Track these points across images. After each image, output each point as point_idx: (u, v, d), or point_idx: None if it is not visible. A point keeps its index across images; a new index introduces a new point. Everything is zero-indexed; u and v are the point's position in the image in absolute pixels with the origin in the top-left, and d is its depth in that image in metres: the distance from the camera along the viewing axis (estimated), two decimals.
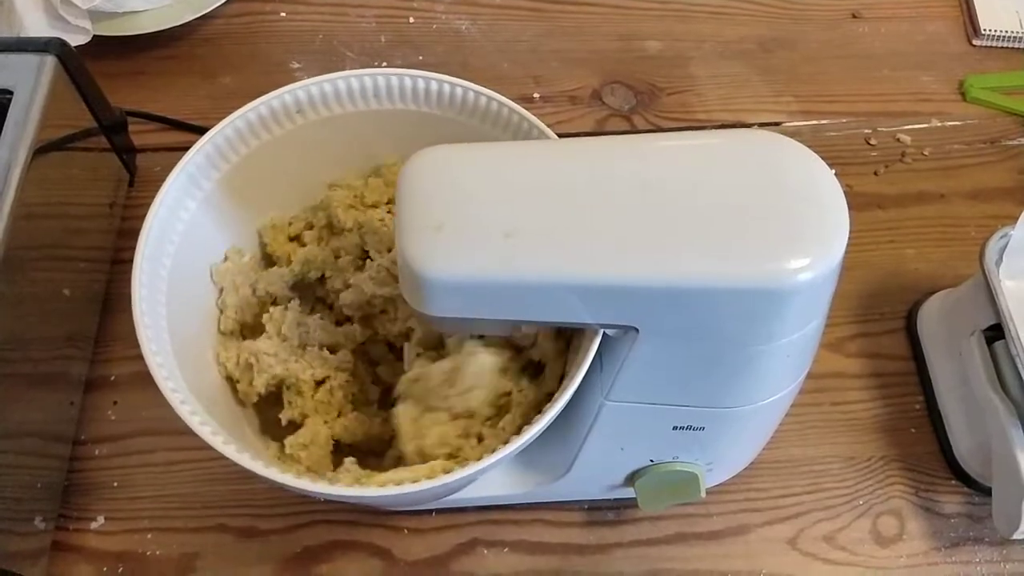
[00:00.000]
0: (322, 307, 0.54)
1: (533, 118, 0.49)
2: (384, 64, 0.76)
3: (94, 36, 0.70)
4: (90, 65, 0.60)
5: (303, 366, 0.50)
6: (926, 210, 0.70)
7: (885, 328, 0.65)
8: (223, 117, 0.49)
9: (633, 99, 0.75)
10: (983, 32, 0.79)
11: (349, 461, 0.47)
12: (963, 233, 0.69)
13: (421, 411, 0.46)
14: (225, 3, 0.75)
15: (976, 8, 0.80)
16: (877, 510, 0.58)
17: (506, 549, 0.56)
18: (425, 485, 0.40)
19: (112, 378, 0.61)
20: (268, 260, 0.55)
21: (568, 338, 0.47)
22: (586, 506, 0.58)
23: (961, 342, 0.57)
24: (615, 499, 0.57)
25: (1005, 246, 0.55)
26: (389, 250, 0.52)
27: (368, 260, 0.52)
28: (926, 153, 0.73)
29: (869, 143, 0.73)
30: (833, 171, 0.39)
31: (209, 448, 0.41)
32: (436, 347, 0.49)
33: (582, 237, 0.37)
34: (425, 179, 0.38)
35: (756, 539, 0.57)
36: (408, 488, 0.40)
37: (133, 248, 0.45)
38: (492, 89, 0.50)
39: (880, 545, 0.57)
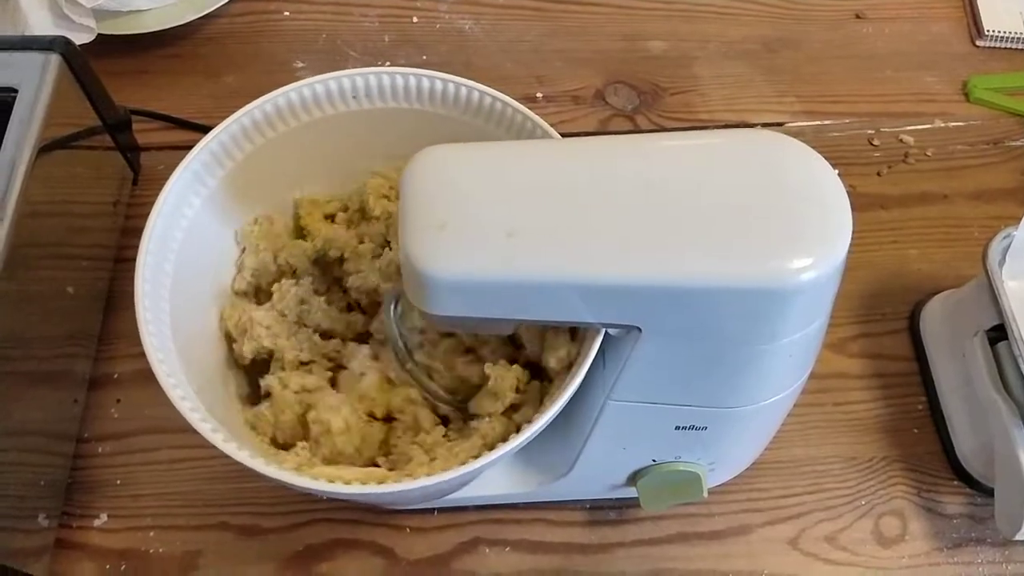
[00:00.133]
0: (337, 289, 0.54)
1: (537, 118, 0.49)
2: (387, 63, 0.76)
3: (98, 35, 0.71)
4: (94, 64, 0.60)
5: (292, 344, 0.50)
6: (929, 211, 0.70)
7: (888, 328, 0.65)
8: (226, 116, 0.49)
9: (636, 99, 0.75)
10: (986, 33, 0.79)
11: (300, 446, 0.47)
12: (966, 234, 0.69)
13: None
14: (229, 2, 0.75)
15: (980, 9, 0.80)
16: (879, 510, 0.58)
17: (508, 548, 0.56)
18: (425, 482, 0.40)
19: (115, 376, 0.61)
20: (298, 233, 0.55)
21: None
22: (588, 505, 0.58)
23: (964, 343, 0.57)
24: (617, 499, 0.57)
25: (1008, 247, 0.55)
26: None
27: (387, 250, 0.53)
28: (929, 154, 0.73)
29: (872, 144, 0.73)
30: (836, 171, 0.39)
31: (211, 446, 0.41)
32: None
33: (585, 236, 0.37)
34: (428, 178, 0.38)
35: (758, 539, 0.57)
36: (409, 485, 0.40)
37: (137, 246, 0.45)
38: (495, 89, 0.50)
39: (882, 546, 0.57)
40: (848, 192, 0.38)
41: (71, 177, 0.59)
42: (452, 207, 0.37)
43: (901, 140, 0.74)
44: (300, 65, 0.76)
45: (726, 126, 0.74)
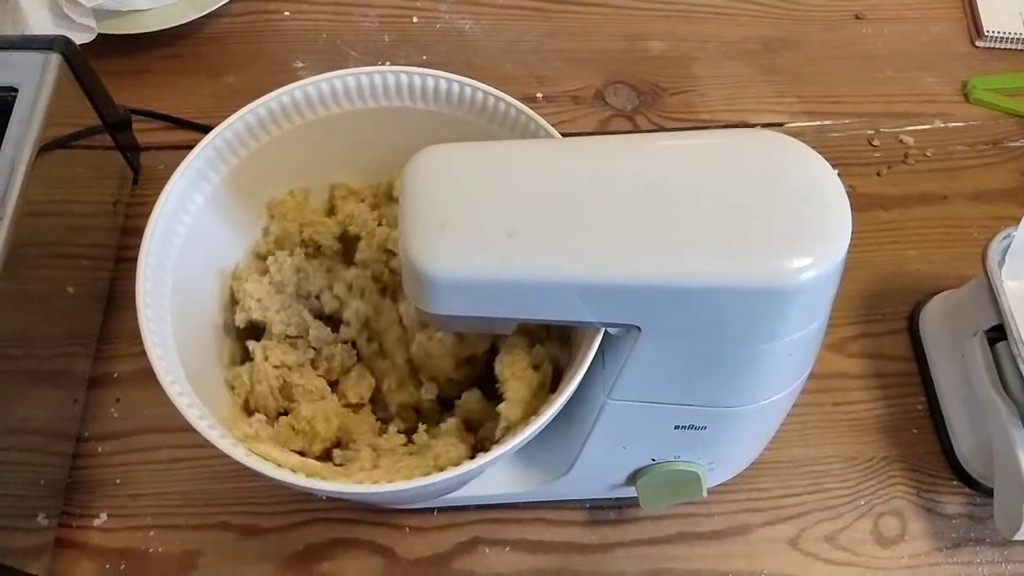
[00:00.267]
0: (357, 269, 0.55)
1: (538, 117, 0.49)
2: (387, 63, 0.76)
3: (99, 34, 0.71)
4: (94, 63, 0.60)
5: (281, 318, 0.51)
6: (929, 211, 0.70)
7: (887, 329, 0.65)
8: (227, 116, 0.49)
9: (636, 99, 0.75)
10: (986, 34, 0.79)
11: (256, 418, 0.48)
12: (965, 234, 0.69)
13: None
14: (229, 2, 0.75)
15: (979, 10, 0.80)
16: (879, 510, 0.58)
17: (508, 548, 0.56)
18: (425, 481, 0.40)
19: (115, 375, 0.61)
20: (329, 214, 0.55)
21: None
22: (588, 505, 0.58)
23: (963, 343, 0.57)
24: (617, 498, 0.57)
25: (1007, 247, 0.55)
26: None
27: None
28: (929, 154, 0.73)
29: (872, 144, 0.73)
30: (836, 171, 0.39)
31: (211, 445, 0.41)
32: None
33: (585, 236, 0.37)
34: (429, 177, 0.38)
35: (757, 539, 0.57)
36: (408, 484, 0.40)
37: (136, 246, 0.45)
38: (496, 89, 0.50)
39: (881, 545, 0.57)
40: (848, 192, 0.38)
41: (71, 177, 0.59)
42: (452, 206, 0.37)
43: (901, 140, 0.74)
44: (300, 65, 0.76)
45: (726, 126, 0.74)
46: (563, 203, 0.37)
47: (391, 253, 0.52)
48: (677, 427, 0.46)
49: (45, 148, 0.53)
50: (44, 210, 0.54)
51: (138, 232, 0.45)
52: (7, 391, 0.50)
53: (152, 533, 0.56)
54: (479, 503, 0.56)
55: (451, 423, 0.49)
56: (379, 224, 0.53)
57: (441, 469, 0.42)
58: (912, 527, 0.58)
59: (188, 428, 0.41)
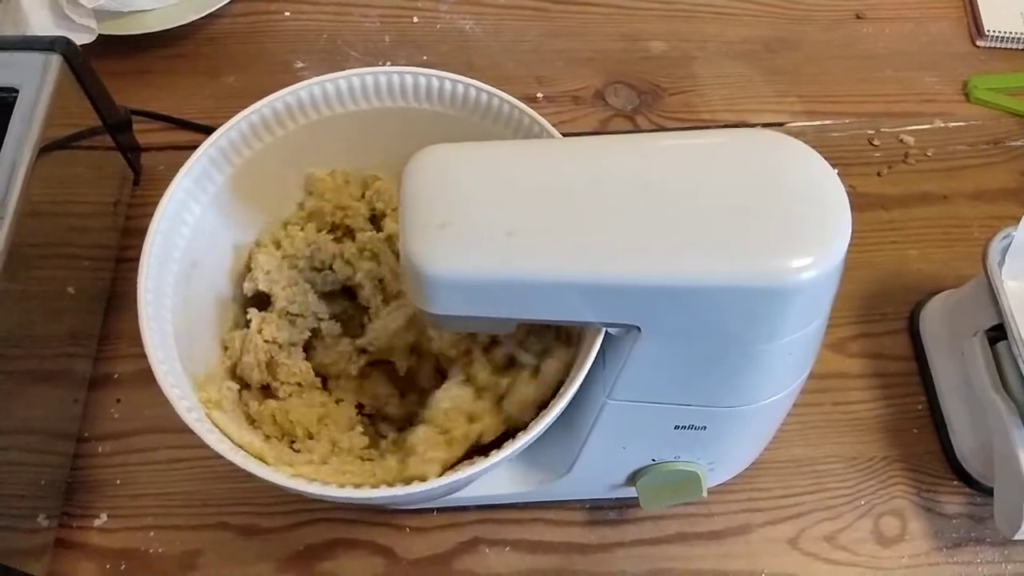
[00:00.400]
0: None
1: (538, 117, 0.49)
2: (388, 64, 0.76)
3: (99, 35, 0.71)
4: (95, 64, 0.60)
5: (285, 294, 0.51)
6: (929, 211, 0.70)
7: (887, 328, 0.65)
8: (227, 116, 0.49)
9: (636, 99, 0.75)
10: (987, 33, 0.79)
11: (228, 386, 0.48)
12: (966, 234, 0.69)
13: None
14: (230, 3, 0.75)
15: (980, 9, 0.80)
16: (879, 510, 0.58)
17: (508, 548, 0.56)
18: (427, 485, 0.40)
19: (115, 376, 0.61)
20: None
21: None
22: (588, 505, 0.58)
23: (963, 342, 0.57)
24: (617, 498, 0.57)
25: (1008, 247, 0.55)
26: None
27: None
28: (929, 154, 0.73)
29: (872, 144, 0.73)
30: (836, 171, 0.39)
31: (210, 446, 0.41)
32: None
33: (584, 236, 0.37)
34: (429, 177, 0.38)
35: (757, 539, 0.57)
36: (411, 489, 0.40)
37: (137, 247, 0.45)
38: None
39: (882, 545, 0.57)
40: (848, 192, 0.38)
41: (72, 177, 0.59)
42: (452, 206, 0.37)
43: (901, 140, 0.74)
44: (301, 65, 0.76)
45: (726, 126, 0.74)
46: (563, 203, 0.37)
47: None
48: (677, 427, 0.46)
49: (46, 148, 0.53)
50: (45, 210, 0.54)
51: (139, 233, 0.45)
52: (7, 391, 0.50)
53: (152, 533, 0.56)
54: (479, 503, 0.57)
55: (419, 431, 0.47)
56: (395, 209, 0.54)
57: (374, 486, 0.41)
58: (912, 527, 0.58)
59: (188, 429, 0.41)
